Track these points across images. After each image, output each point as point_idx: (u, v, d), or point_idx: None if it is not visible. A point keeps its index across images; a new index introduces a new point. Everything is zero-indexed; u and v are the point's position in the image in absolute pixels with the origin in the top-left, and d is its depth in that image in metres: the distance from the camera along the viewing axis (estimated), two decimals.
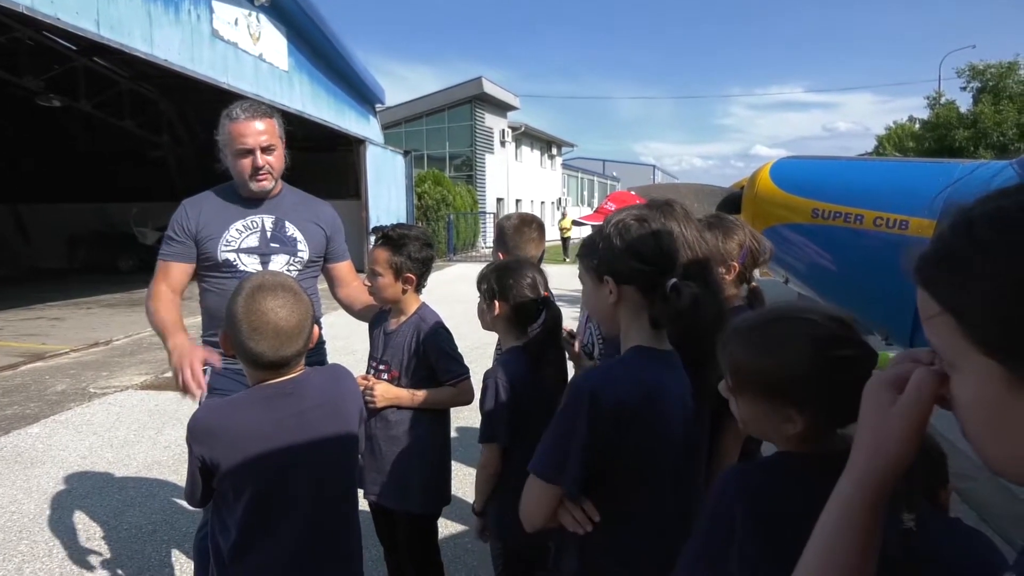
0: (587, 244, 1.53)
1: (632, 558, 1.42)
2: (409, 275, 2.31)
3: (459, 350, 2.43)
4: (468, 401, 2.38)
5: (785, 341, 1.10)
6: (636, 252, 1.42)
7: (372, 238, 2.41)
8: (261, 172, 2.42)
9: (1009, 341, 0.57)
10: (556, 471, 1.36)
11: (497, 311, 2.12)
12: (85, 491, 4.23)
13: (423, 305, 2.42)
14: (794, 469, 1.11)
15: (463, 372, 2.35)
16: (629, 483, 1.40)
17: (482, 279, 2.16)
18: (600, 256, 1.46)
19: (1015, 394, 0.58)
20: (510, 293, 2.10)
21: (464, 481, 3.67)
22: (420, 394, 2.31)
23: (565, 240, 24.94)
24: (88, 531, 3.70)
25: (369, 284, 2.38)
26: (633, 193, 2.91)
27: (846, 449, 1.12)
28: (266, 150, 2.42)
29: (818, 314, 1.11)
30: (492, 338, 2.45)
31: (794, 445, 1.12)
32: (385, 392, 2.30)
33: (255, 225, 2.48)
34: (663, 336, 1.46)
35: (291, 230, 2.53)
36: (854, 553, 0.76)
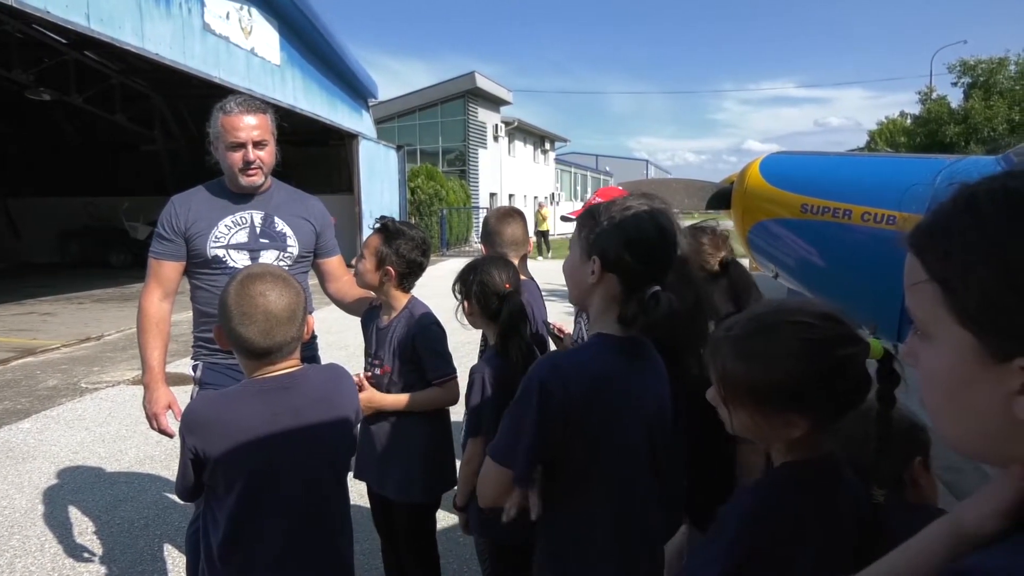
0: (590, 215, 1.46)
1: (584, 548, 1.43)
2: (390, 268, 2.32)
3: (449, 345, 2.44)
4: (454, 401, 2.38)
5: (782, 350, 1.07)
6: (633, 246, 1.37)
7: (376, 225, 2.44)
8: (252, 167, 2.42)
9: (988, 316, 0.58)
10: (509, 455, 1.37)
11: (468, 310, 2.18)
12: (77, 486, 4.23)
13: (412, 299, 2.43)
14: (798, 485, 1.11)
15: (450, 372, 2.35)
16: (578, 474, 1.40)
17: (454, 282, 2.21)
18: (597, 234, 1.41)
19: (982, 369, 0.60)
20: (471, 291, 2.15)
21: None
22: (404, 398, 2.32)
23: (542, 234, 23.30)
24: (80, 526, 3.70)
25: (355, 265, 2.41)
26: (620, 188, 2.95)
27: (830, 454, 1.14)
28: (258, 145, 2.42)
29: (809, 315, 1.09)
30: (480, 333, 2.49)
31: (791, 447, 1.12)
32: (369, 399, 2.30)
33: (244, 221, 2.49)
34: None
35: (280, 225, 2.53)
36: None
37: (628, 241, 1.38)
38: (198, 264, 2.49)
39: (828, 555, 1.08)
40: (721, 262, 2.18)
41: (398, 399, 2.32)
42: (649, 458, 1.44)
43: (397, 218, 2.46)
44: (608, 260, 1.39)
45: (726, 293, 2.18)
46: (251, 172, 2.43)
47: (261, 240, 2.50)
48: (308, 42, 15.35)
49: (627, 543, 1.44)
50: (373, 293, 2.49)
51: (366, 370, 2.46)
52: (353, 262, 2.44)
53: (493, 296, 2.12)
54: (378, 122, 22.48)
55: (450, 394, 2.36)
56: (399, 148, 22.29)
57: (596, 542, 1.43)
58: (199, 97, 14.89)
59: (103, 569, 3.26)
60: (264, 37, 13.42)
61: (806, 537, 1.08)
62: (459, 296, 2.20)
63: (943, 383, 0.64)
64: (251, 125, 2.40)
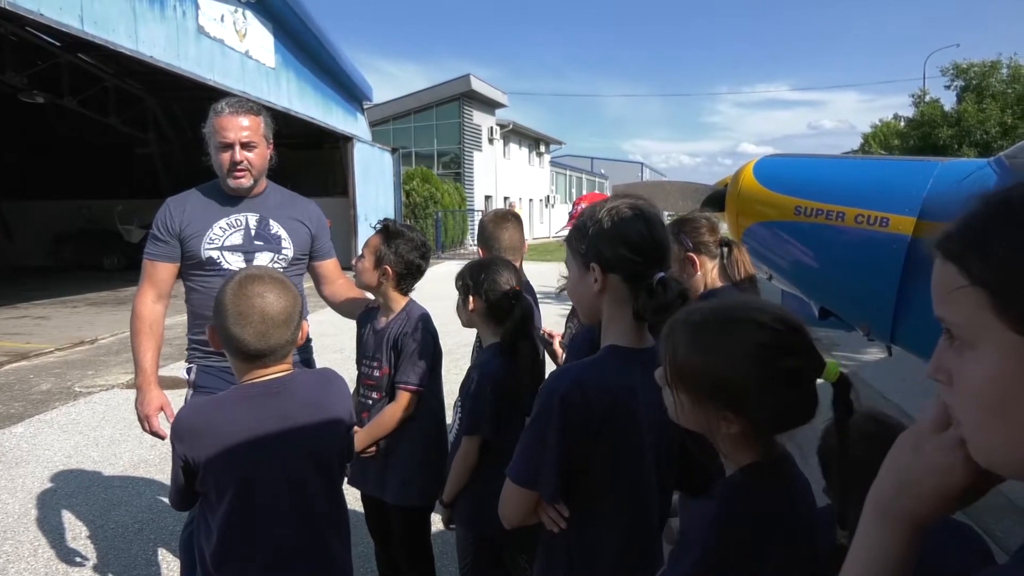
0: (577, 228, 1.49)
1: (601, 557, 1.43)
2: (388, 267, 2.34)
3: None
4: (402, 417, 2.31)
5: (730, 344, 1.06)
6: (627, 240, 1.38)
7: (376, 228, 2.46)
8: (239, 168, 2.42)
9: None
10: (532, 477, 1.36)
11: (472, 306, 2.18)
12: (70, 490, 4.21)
13: (411, 302, 2.44)
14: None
15: (414, 384, 2.31)
16: (599, 484, 1.40)
17: (458, 277, 2.22)
18: (589, 241, 1.42)
19: None
20: (482, 288, 2.15)
21: None
22: (367, 433, 2.30)
23: None
24: (74, 530, 3.68)
25: (355, 264, 2.43)
26: (602, 195, 3.01)
27: (783, 456, 1.12)
28: (246, 146, 2.41)
29: (769, 316, 1.07)
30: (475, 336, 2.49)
31: (731, 445, 1.11)
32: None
33: (239, 223, 2.49)
34: (644, 331, 1.44)
35: (275, 228, 2.53)
36: None
37: (620, 237, 1.39)
38: (192, 266, 2.48)
39: (791, 560, 1.07)
40: (719, 243, 2.36)
41: (362, 433, 2.28)
42: (658, 464, 1.45)
43: (402, 222, 2.48)
44: (607, 261, 1.40)
45: (720, 272, 2.36)
46: (238, 173, 2.43)
47: (256, 242, 2.50)
48: (303, 45, 15.35)
49: (635, 548, 1.44)
50: (370, 295, 2.50)
51: (362, 372, 2.46)
52: (353, 262, 2.46)
53: (504, 296, 2.13)
54: (373, 125, 22.47)
55: (399, 405, 2.31)
56: (394, 151, 22.28)
57: (608, 549, 1.43)
58: (193, 100, 14.86)
59: (96, 574, 3.24)
60: (259, 40, 13.41)
61: (770, 541, 1.07)
62: (463, 292, 2.20)
63: (990, 393, 0.61)
64: (241, 126, 2.40)
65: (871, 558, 0.73)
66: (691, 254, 2.19)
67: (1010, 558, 0.66)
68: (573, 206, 2.96)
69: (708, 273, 2.25)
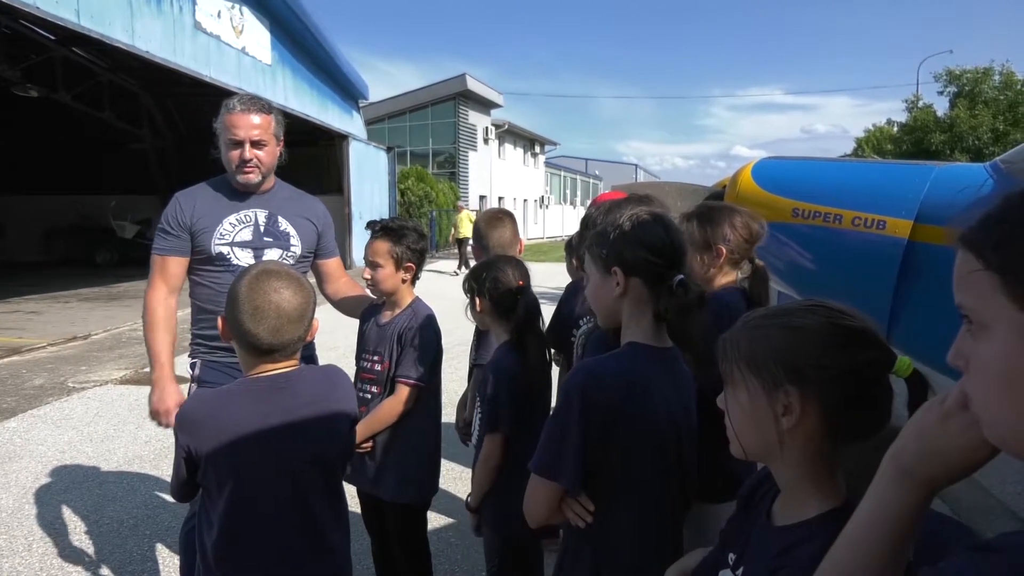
0: (598, 234, 1.53)
1: (622, 546, 1.45)
2: (409, 264, 2.36)
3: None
4: (400, 408, 2.31)
5: (795, 311, 0.98)
6: (648, 244, 1.43)
7: (368, 232, 2.43)
8: (248, 165, 2.43)
9: None
10: (554, 469, 1.39)
11: (479, 307, 2.20)
12: (64, 486, 4.20)
13: (417, 299, 2.45)
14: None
15: (414, 379, 2.31)
16: (617, 477, 1.42)
17: (464, 280, 2.24)
18: (611, 246, 1.47)
19: None
20: (486, 287, 2.17)
21: (447, 476, 3.69)
22: (365, 427, 2.29)
23: (460, 243, 17.95)
24: (68, 526, 3.67)
25: (368, 276, 2.40)
26: (619, 191, 2.95)
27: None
28: (256, 144, 2.42)
29: (830, 302, 0.99)
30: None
31: (795, 441, 0.95)
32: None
33: (248, 219, 2.50)
34: (663, 332, 1.47)
35: (284, 224, 2.54)
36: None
37: (641, 241, 1.44)
38: (201, 260, 2.49)
39: None
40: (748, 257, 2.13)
41: (359, 431, 2.23)
42: (677, 462, 1.47)
43: (388, 217, 2.47)
44: (628, 264, 1.44)
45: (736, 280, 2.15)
46: (247, 171, 2.44)
47: (265, 238, 2.51)
48: (299, 42, 15.33)
49: (654, 545, 1.46)
50: (373, 295, 2.50)
51: (361, 367, 2.47)
52: (365, 275, 2.43)
53: (507, 293, 2.14)
54: (368, 123, 22.44)
55: (398, 399, 2.31)
56: (389, 149, 22.25)
57: (628, 537, 1.45)
58: (188, 95, 14.86)
59: (92, 570, 3.23)
60: (255, 36, 13.38)
61: None
62: (470, 293, 2.22)
63: (1000, 372, 0.64)
64: (252, 124, 2.41)
65: (887, 511, 0.77)
66: (721, 247, 2.05)
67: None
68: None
69: (723, 274, 2.14)
